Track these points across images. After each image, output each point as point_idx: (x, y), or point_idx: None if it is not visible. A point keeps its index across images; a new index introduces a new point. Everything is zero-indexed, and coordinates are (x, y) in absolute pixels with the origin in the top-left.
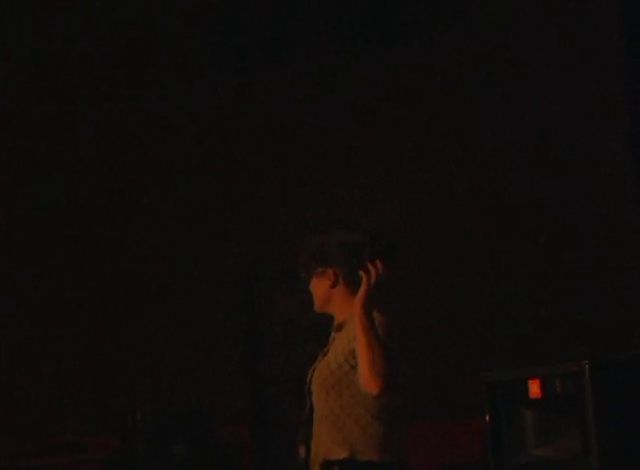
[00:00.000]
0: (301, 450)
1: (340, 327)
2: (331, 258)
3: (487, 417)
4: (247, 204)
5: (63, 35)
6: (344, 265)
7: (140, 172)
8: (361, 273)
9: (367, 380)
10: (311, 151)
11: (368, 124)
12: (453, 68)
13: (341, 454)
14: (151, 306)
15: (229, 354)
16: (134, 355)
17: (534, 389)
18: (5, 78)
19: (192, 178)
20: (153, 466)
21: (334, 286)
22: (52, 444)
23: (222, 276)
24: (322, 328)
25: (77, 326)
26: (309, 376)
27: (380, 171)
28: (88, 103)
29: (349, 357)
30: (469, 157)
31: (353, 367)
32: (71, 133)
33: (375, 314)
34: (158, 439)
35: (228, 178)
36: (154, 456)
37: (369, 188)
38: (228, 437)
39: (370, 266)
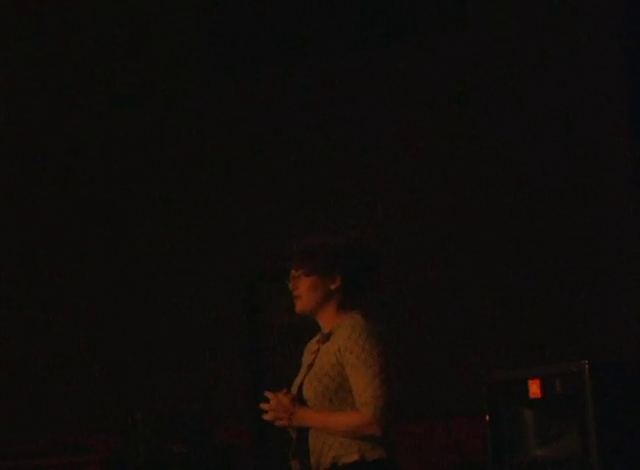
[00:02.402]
0: (295, 465)
1: (327, 338)
2: (339, 262)
3: (487, 417)
4: (247, 203)
5: (61, 35)
6: (350, 273)
7: (140, 172)
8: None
9: (367, 433)
10: (312, 151)
11: (368, 126)
12: (454, 68)
13: (351, 458)
14: (151, 306)
15: (229, 355)
16: (134, 355)
17: (534, 389)
18: (4, 78)
19: (192, 178)
20: (153, 466)
21: (340, 291)
22: (52, 444)
23: (222, 276)
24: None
25: (77, 326)
26: (295, 389)
27: (381, 173)
28: (87, 102)
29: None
30: (469, 158)
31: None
32: (71, 131)
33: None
34: (158, 439)
35: (228, 178)
36: (154, 456)
37: (371, 189)
38: (228, 437)
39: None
